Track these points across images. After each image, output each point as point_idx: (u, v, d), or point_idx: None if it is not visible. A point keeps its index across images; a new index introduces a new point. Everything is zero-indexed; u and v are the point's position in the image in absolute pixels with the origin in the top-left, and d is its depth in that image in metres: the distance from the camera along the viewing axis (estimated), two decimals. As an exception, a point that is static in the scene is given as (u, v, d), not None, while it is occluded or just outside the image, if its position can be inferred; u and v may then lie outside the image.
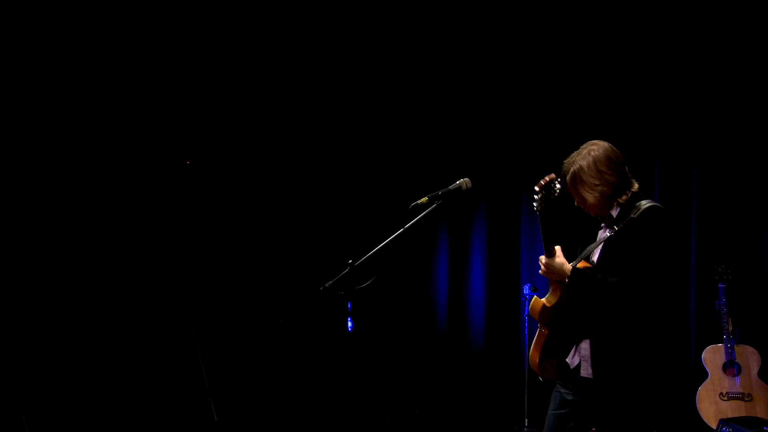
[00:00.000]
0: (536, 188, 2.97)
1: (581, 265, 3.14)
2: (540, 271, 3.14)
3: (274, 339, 5.84)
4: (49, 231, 5.51)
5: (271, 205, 6.12)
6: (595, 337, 3.07)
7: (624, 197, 3.14)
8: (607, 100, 5.71)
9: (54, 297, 5.48)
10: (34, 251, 5.43)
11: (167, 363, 5.68)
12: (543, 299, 3.17)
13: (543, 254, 3.12)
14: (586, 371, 3.10)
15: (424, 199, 3.19)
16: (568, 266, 3.07)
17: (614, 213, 3.16)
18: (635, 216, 3.05)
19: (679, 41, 5.50)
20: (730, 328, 4.97)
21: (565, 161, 3.17)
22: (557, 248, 3.12)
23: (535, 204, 3.01)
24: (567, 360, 3.17)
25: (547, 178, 2.98)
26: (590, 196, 3.12)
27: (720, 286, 5.04)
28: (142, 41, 5.74)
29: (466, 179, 3.27)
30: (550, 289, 3.15)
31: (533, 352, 3.22)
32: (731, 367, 4.93)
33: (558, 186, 3.00)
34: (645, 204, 3.08)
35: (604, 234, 3.21)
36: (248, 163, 6.12)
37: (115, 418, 5.44)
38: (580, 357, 3.13)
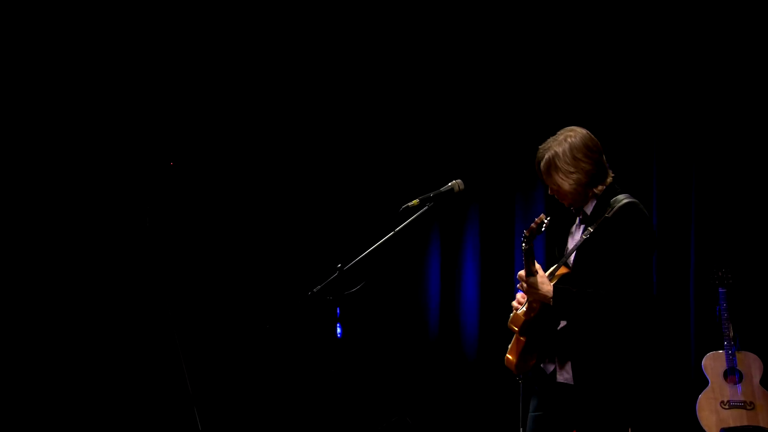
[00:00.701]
0: (525, 232, 2.95)
1: (561, 271, 3.10)
2: (521, 288, 3.08)
3: (261, 346, 5.73)
4: (26, 232, 5.40)
5: (257, 207, 6.01)
6: (578, 345, 3.04)
7: (600, 187, 3.07)
8: (603, 91, 5.59)
9: (32, 300, 5.37)
10: (8, 252, 5.33)
11: (149, 370, 5.57)
12: (520, 312, 3.14)
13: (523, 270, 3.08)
14: (562, 377, 3.09)
15: (415, 202, 3.15)
16: (550, 287, 3.00)
17: (589, 208, 3.09)
18: (609, 215, 2.99)
19: (678, 30, 5.40)
20: (731, 334, 4.88)
21: (540, 147, 3.12)
22: (538, 266, 3.06)
23: (523, 245, 2.97)
24: (542, 365, 3.17)
25: (537, 220, 2.97)
26: (565, 184, 3.05)
27: (720, 290, 4.94)
28: (126, 39, 5.64)
29: (459, 181, 3.24)
30: (527, 303, 3.12)
31: (510, 356, 3.20)
32: (732, 374, 4.84)
33: (546, 222, 2.99)
34: (621, 200, 3.02)
35: (578, 233, 3.14)
36: (234, 164, 6.01)
37: (94, 427, 5.33)
38: (555, 363, 3.11)
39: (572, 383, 3.05)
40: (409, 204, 3.15)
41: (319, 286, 3.12)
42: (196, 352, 5.64)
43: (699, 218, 5.35)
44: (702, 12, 5.34)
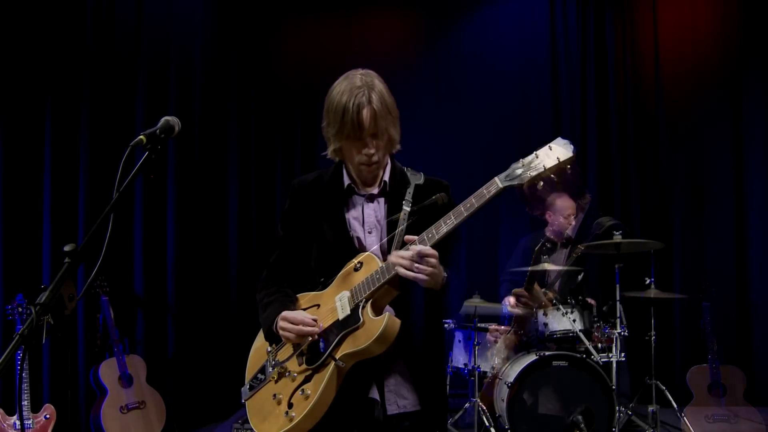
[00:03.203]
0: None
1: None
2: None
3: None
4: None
5: (247, 223, 5.97)
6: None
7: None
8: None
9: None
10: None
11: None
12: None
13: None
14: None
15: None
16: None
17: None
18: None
19: None
20: (716, 347, 4.87)
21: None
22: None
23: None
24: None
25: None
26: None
27: (704, 304, 4.93)
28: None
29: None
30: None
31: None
32: (717, 388, 4.83)
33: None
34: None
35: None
36: (223, 174, 5.95)
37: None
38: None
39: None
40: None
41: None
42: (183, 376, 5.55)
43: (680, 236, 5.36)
44: None
